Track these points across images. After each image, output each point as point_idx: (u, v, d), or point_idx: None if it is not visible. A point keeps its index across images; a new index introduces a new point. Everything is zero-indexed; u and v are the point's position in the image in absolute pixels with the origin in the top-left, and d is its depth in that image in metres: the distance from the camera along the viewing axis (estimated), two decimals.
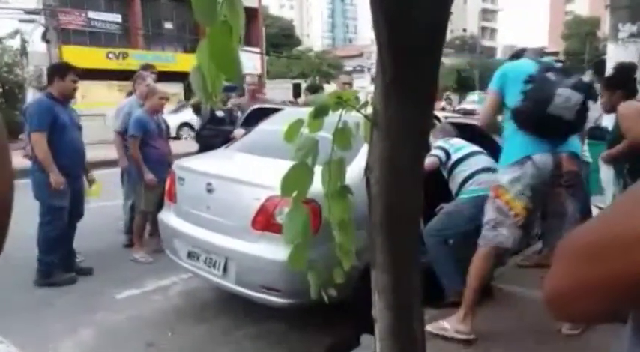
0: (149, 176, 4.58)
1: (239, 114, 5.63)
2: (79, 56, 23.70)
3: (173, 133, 15.03)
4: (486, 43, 69.71)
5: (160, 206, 4.75)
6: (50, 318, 3.52)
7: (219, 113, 5.28)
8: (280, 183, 1.50)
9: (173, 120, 15.59)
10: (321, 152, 1.56)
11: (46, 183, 3.94)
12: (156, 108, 4.81)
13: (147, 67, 5.69)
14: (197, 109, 5.23)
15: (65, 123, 4.04)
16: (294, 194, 1.53)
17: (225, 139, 5.16)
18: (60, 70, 4.17)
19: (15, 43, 22.23)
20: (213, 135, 5.17)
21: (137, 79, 5.13)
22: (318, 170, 1.56)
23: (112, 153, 5.71)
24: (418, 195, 1.66)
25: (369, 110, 1.63)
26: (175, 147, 5.54)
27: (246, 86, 6.03)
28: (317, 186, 1.56)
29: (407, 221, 1.64)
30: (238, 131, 5.03)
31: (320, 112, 1.64)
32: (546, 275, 0.56)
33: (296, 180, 1.53)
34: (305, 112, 1.63)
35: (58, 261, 4.14)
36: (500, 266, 3.70)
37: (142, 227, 4.82)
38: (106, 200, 5.92)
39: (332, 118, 1.61)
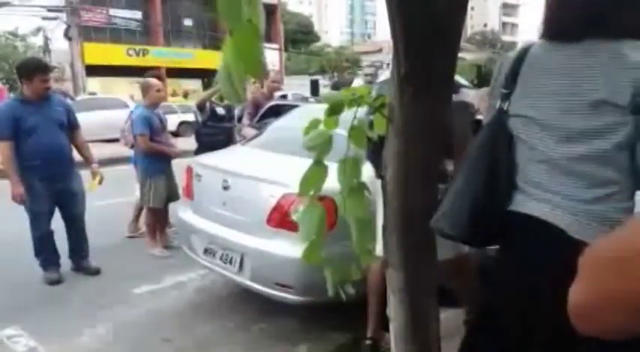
0: (176, 150, 4.83)
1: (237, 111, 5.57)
2: (100, 53, 24.04)
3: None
4: (507, 38, 68.82)
5: (167, 201, 4.80)
6: (68, 314, 3.57)
7: (220, 110, 5.25)
8: (299, 184, 1.49)
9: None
10: (338, 149, 1.54)
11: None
12: (155, 102, 4.80)
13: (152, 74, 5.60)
14: (201, 107, 5.20)
15: (35, 124, 3.91)
16: (310, 192, 1.52)
17: (227, 137, 5.15)
18: (26, 72, 3.98)
19: (37, 41, 22.62)
20: (214, 133, 5.14)
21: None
22: (334, 167, 1.54)
23: (124, 149, 5.75)
24: (433, 192, 1.63)
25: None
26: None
27: (265, 82, 5.96)
28: (333, 183, 1.55)
29: (422, 218, 1.61)
30: (248, 131, 4.98)
31: (335, 109, 1.62)
32: (572, 287, 0.53)
33: (313, 179, 1.52)
34: (321, 109, 1.61)
35: (43, 261, 4.14)
36: None
37: (154, 223, 4.84)
38: (120, 196, 6.00)
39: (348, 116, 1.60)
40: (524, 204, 1.45)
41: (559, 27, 1.46)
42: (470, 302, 2.95)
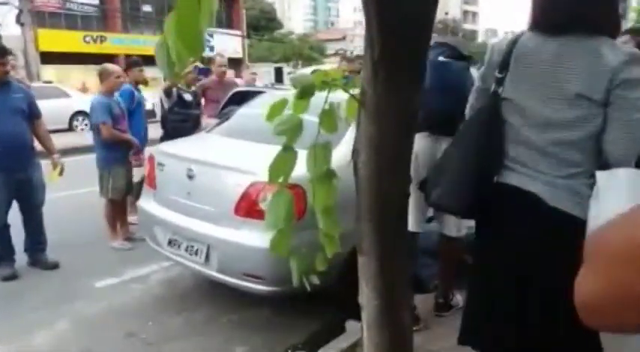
0: (135, 141, 4.66)
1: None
2: (55, 39, 23.15)
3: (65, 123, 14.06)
4: (468, 26, 69.77)
5: (126, 193, 4.66)
6: (24, 311, 3.41)
7: (187, 96, 5.12)
8: (268, 171, 1.42)
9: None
10: (306, 136, 1.49)
11: None
12: (113, 88, 4.62)
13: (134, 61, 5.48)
14: (168, 93, 5.05)
15: None
16: (280, 179, 1.46)
17: (194, 123, 5.04)
18: None
19: None
20: (181, 119, 5.02)
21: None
22: (303, 154, 1.48)
23: (82, 139, 5.56)
24: (407, 179, 1.60)
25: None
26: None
27: (213, 67, 5.84)
28: (302, 171, 1.49)
29: (395, 206, 1.58)
30: (209, 121, 4.84)
31: (305, 92, 1.56)
32: (577, 278, 0.48)
33: (282, 165, 1.46)
34: (287, 95, 1.55)
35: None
36: None
37: (113, 215, 4.68)
38: (77, 187, 5.80)
39: (316, 100, 1.54)
40: (510, 177, 1.68)
41: (549, 21, 1.65)
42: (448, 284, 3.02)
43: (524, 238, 1.65)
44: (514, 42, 1.69)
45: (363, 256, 1.64)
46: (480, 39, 67.85)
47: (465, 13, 78.06)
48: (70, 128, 14.40)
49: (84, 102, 15.30)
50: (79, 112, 14.80)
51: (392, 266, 1.63)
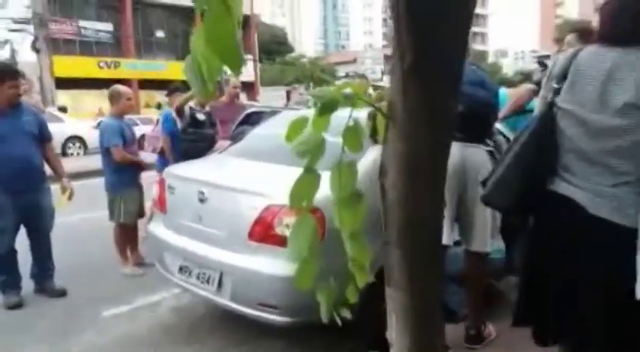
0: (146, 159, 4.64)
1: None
2: (70, 66, 23.50)
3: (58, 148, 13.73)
4: (477, 46, 70.03)
5: (138, 216, 4.53)
6: (30, 342, 3.25)
7: (200, 116, 5.03)
8: (289, 195, 1.27)
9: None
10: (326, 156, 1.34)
11: None
12: (124, 111, 4.54)
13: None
14: (180, 112, 4.96)
15: (3, 133, 3.65)
16: (303, 204, 1.31)
17: (208, 143, 4.92)
18: None
19: (4, 53, 22.02)
20: (195, 139, 4.91)
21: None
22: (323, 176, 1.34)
23: (93, 163, 5.48)
24: (441, 200, 1.44)
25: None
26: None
27: (226, 88, 5.70)
28: (321, 193, 1.34)
29: (429, 231, 1.41)
30: (222, 143, 4.72)
31: (327, 108, 1.41)
32: None
33: (305, 188, 1.31)
34: (304, 114, 1.42)
35: (3, 284, 3.83)
36: None
37: (124, 240, 4.54)
38: (88, 211, 5.69)
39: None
40: (558, 184, 1.83)
41: (611, 33, 1.77)
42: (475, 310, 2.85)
43: (569, 247, 1.80)
44: (574, 55, 1.81)
45: (392, 288, 1.48)
46: (490, 59, 68.03)
47: (475, 34, 78.51)
48: (64, 153, 14.41)
49: (77, 127, 15.46)
50: (73, 137, 14.98)
51: (425, 300, 1.46)
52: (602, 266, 1.75)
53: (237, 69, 1.04)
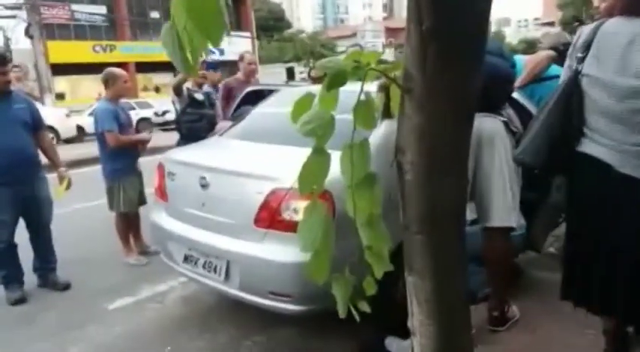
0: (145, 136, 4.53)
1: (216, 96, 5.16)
2: (65, 51, 23.22)
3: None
4: None
5: (139, 203, 4.42)
6: (34, 337, 3.15)
7: (199, 96, 4.86)
8: (298, 179, 1.14)
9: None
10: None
11: None
12: (120, 94, 4.38)
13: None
14: (178, 91, 4.78)
15: None
16: (313, 188, 1.17)
17: (209, 123, 4.76)
18: None
19: None
20: (195, 120, 4.76)
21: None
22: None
23: (93, 150, 5.33)
24: (464, 179, 1.30)
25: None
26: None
27: (241, 64, 5.35)
28: (330, 175, 1.20)
29: (452, 213, 1.28)
30: (223, 124, 4.51)
31: (335, 82, 1.26)
32: None
33: (314, 171, 1.17)
34: (309, 90, 1.27)
35: (4, 278, 3.73)
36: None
37: (126, 229, 4.42)
38: (89, 200, 5.57)
39: None
40: (586, 144, 1.97)
41: (632, 6, 1.88)
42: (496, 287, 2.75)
43: (602, 205, 1.95)
44: (598, 26, 1.93)
45: (414, 275, 1.35)
46: (493, 28, 67.16)
47: None
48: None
49: (47, 115, 15.10)
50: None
51: (450, 289, 1.34)
52: (635, 227, 1.88)
53: (217, 43, 0.89)
